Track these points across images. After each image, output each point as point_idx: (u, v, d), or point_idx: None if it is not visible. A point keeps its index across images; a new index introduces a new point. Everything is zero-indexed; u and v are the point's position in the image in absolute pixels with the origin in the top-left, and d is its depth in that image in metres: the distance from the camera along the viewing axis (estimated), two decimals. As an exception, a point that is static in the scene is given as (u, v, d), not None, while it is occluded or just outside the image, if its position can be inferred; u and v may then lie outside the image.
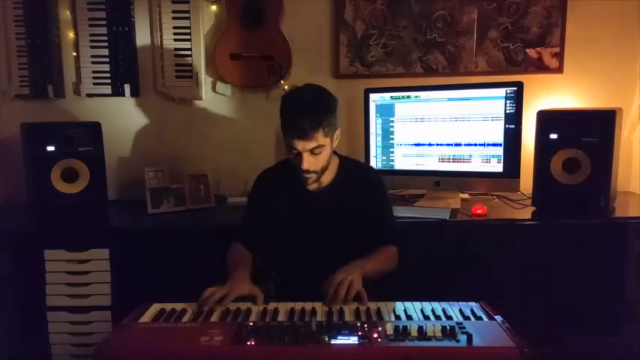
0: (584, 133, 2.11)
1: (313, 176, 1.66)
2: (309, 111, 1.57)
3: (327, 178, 1.75)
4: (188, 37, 2.58)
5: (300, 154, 1.61)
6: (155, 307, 1.44)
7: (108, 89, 2.61)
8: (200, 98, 2.64)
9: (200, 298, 1.44)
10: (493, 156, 2.26)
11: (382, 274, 1.64)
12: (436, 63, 2.60)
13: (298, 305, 1.45)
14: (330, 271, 1.66)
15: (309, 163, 1.61)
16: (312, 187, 1.74)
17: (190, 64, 2.60)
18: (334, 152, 1.76)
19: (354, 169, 1.80)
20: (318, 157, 1.63)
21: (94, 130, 2.34)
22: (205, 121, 2.69)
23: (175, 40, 2.58)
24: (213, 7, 2.57)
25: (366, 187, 1.76)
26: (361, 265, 1.56)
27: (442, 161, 2.36)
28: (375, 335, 1.20)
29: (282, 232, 1.75)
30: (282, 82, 2.55)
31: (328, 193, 1.74)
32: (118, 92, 2.61)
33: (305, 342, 1.19)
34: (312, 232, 1.72)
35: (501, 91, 2.22)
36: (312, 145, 1.59)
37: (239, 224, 1.83)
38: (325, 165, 1.68)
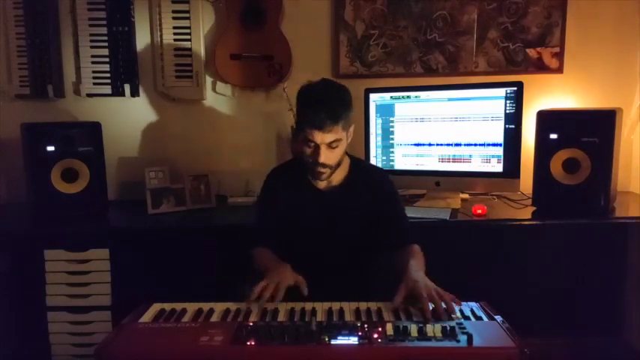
0: (584, 133, 2.11)
1: (327, 171, 1.65)
2: (329, 104, 1.57)
3: (337, 177, 1.74)
4: (188, 37, 2.58)
5: (317, 147, 1.59)
6: (155, 307, 1.44)
7: (108, 89, 2.61)
8: (200, 98, 2.64)
9: (249, 296, 1.42)
10: (493, 156, 2.26)
11: None
12: (436, 63, 2.60)
13: (298, 305, 1.45)
14: (335, 270, 1.67)
15: (326, 156, 1.60)
16: (322, 185, 1.73)
17: (190, 64, 2.60)
18: (345, 152, 1.74)
19: (364, 170, 1.80)
20: (334, 152, 1.61)
21: (94, 130, 2.34)
22: (205, 121, 2.69)
23: (175, 40, 2.58)
24: (221, 5, 2.56)
25: (377, 189, 1.75)
26: (420, 269, 1.53)
27: (442, 161, 2.36)
28: (375, 335, 1.20)
29: (291, 230, 1.74)
30: (282, 82, 2.55)
31: (338, 192, 1.74)
32: (118, 92, 2.61)
33: (305, 342, 1.19)
34: (320, 231, 1.72)
35: (501, 91, 2.22)
36: (330, 138, 1.58)
37: (256, 226, 1.80)
38: (339, 161, 1.67)
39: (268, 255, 1.69)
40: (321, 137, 1.57)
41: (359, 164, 1.80)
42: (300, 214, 1.73)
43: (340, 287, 1.51)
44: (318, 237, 1.71)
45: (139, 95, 2.65)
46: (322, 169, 1.63)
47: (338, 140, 1.60)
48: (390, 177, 1.84)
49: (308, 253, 1.71)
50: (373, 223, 1.72)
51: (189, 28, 2.58)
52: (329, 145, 1.59)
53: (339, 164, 1.68)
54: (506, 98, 2.21)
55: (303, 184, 1.74)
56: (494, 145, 2.25)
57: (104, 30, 2.58)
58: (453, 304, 1.35)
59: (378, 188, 1.75)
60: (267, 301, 1.42)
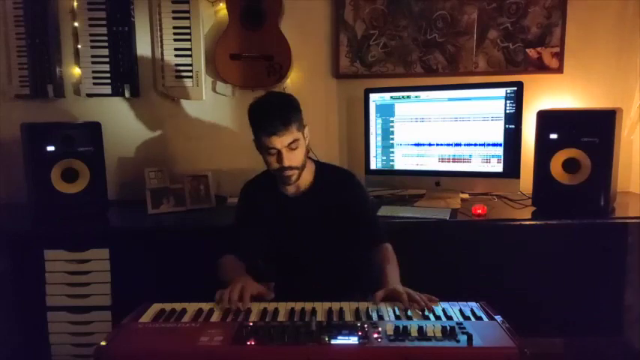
0: (584, 133, 2.11)
1: (295, 173, 1.70)
2: (277, 110, 1.66)
3: (304, 183, 1.79)
4: (188, 37, 2.58)
5: (279, 153, 1.65)
6: (155, 307, 1.44)
7: (108, 89, 2.61)
8: (200, 98, 2.64)
9: (217, 301, 1.46)
10: (493, 156, 2.26)
11: None
12: (436, 63, 2.60)
13: (298, 305, 1.45)
14: (315, 273, 1.72)
15: (289, 158, 1.66)
16: (291, 191, 1.79)
17: (190, 64, 2.60)
18: (310, 158, 1.81)
19: (329, 173, 1.85)
20: (295, 153, 1.67)
21: (94, 130, 2.34)
22: (205, 121, 2.69)
23: (175, 40, 2.58)
24: (221, 5, 2.57)
25: (345, 190, 1.80)
26: (395, 277, 1.59)
27: (442, 161, 2.36)
28: (375, 335, 1.20)
29: (270, 240, 1.79)
30: (282, 82, 2.55)
31: (307, 197, 1.79)
32: (118, 92, 2.61)
33: (305, 342, 1.19)
34: (296, 237, 1.76)
35: (501, 91, 2.22)
36: (288, 139, 1.64)
37: (228, 237, 1.84)
38: (303, 162, 1.72)
39: (233, 265, 1.73)
40: (280, 142, 1.64)
41: (323, 168, 1.86)
42: (275, 223, 1.78)
43: (322, 289, 1.52)
44: (294, 243, 1.76)
45: (139, 95, 2.65)
46: (290, 172, 1.69)
47: (296, 141, 1.66)
48: (356, 177, 1.88)
49: (287, 260, 1.77)
50: (347, 224, 1.76)
51: (189, 28, 2.58)
52: (289, 148, 1.65)
53: (304, 166, 1.73)
54: (506, 98, 2.21)
55: (274, 194, 1.81)
56: (494, 145, 2.25)
57: (104, 30, 2.58)
58: (430, 303, 1.41)
59: (345, 189, 1.80)
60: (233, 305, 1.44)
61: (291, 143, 1.65)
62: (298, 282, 1.65)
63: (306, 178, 1.79)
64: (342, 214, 1.76)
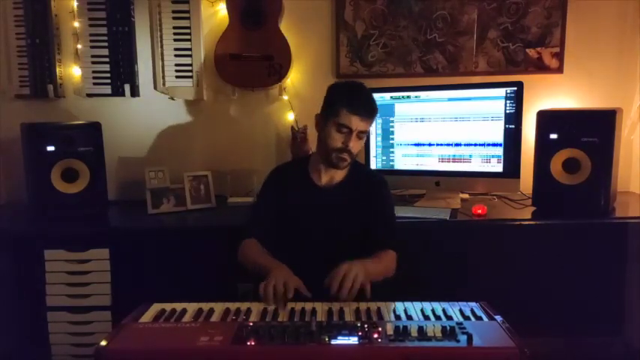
0: (584, 133, 2.11)
1: (348, 159, 1.74)
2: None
3: (339, 176, 1.82)
4: (188, 37, 2.58)
5: (349, 134, 1.70)
6: (155, 307, 1.44)
7: (108, 89, 2.61)
8: (200, 98, 2.64)
9: (263, 296, 1.44)
10: (493, 156, 2.26)
11: (380, 278, 1.64)
12: (436, 63, 2.60)
13: (298, 305, 1.45)
14: (331, 268, 1.68)
15: (354, 143, 1.72)
16: (323, 182, 1.80)
17: (190, 64, 2.60)
18: None
19: (363, 172, 1.89)
20: (359, 142, 1.74)
21: (94, 130, 2.34)
22: (205, 121, 2.69)
23: (175, 40, 2.58)
24: (221, 5, 2.57)
25: (373, 190, 1.82)
26: (364, 263, 1.55)
27: (442, 161, 2.36)
28: (375, 335, 1.20)
29: (290, 227, 1.77)
30: (282, 82, 2.55)
31: (338, 190, 1.80)
32: (118, 92, 2.61)
33: (305, 342, 1.19)
34: (318, 228, 1.75)
35: (501, 91, 2.22)
36: (362, 127, 1.71)
37: (249, 218, 1.83)
38: (357, 154, 1.78)
39: (261, 251, 1.71)
40: (357, 124, 1.69)
41: (359, 166, 1.89)
42: (300, 211, 1.78)
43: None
44: (315, 234, 1.75)
45: (139, 95, 2.65)
46: (346, 155, 1.73)
47: (364, 133, 1.74)
48: (387, 182, 1.89)
49: (305, 250, 1.74)
50: (367, 223, 1.77)
51: (189, 28, 2.58)
52: (358, 134, 1.72)
53: (354, 159, 1.78)
54: (507, 98, 2.21)
55: (305, 182, 1.81)
56: (494, 145, 2.25)
57: (104, 30, 2.58)
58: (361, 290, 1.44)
59: (374, 190, 1.82)
60: (280, 298, 1.43)
61: (361, 132, 1.72)
62: (310, 272, 1.63)
63: (342, 171, 1.82)
64: (365, 213, 1.77)
